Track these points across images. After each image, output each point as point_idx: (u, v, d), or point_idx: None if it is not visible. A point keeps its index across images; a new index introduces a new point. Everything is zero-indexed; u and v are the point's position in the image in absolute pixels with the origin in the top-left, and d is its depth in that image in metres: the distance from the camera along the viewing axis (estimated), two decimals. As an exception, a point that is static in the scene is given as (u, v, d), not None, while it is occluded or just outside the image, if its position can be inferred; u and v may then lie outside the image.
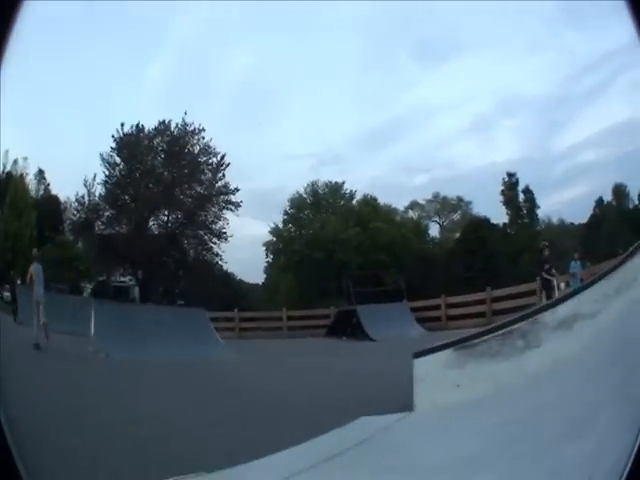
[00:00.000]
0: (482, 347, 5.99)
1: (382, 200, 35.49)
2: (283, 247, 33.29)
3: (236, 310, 25.65)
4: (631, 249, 6.22)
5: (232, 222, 31.65)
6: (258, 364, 14.92)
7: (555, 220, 36.51)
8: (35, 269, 16.48)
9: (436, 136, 39.53)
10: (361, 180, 38.57)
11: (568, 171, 36.79)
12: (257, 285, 36.47)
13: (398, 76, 42.02)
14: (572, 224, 36.05)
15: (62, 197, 33.70)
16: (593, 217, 34.15)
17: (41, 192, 34.77)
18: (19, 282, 23.98)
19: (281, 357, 16.52)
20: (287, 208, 34.76)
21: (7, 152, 32.36)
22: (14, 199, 28.82)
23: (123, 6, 31.62)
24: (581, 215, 35.28)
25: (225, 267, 33.99)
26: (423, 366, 5.89)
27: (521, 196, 34.11)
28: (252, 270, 35.87)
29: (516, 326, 5.98)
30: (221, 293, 29.56)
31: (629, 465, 2.04)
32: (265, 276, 35.91)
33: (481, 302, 22.10)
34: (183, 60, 38.26)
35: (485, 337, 6.08)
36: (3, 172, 33.08)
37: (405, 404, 5.58)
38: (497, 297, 21.62)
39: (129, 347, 14.50)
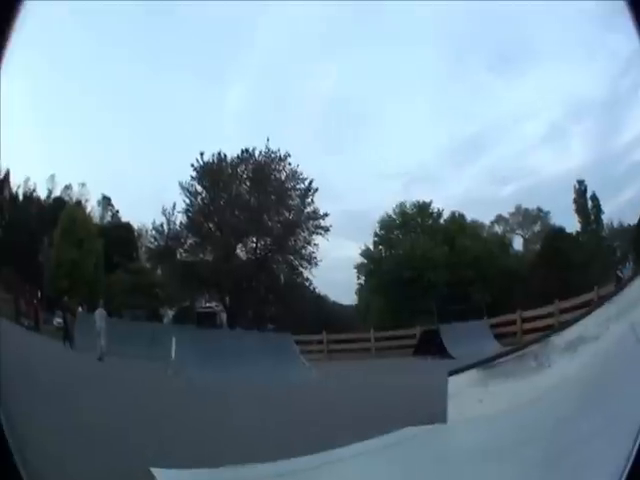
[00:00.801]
0: (501, 367, 7.16)
1: (470, 216, 37.39)
2: (374, 268, 35.25)
3: (324, 333, 27.14)
4: (631, 274, 7.88)
5: (325, 244, 33.62)
6: (339, 385, 15.93)
7: (616, 224, 37.86)
8: (98, 313, 19.59)
9: (515, 147, 41.24)
10: (450, 196, 40.32)
11: (626, 172, 38.42)
12: (351, 307, 38.20)
13: (478, 88, 44.62)
14: (629, 226, 37.47)
15: (134, 224, 35.75)
16: None
17: (107, 219, 36.55)
18: (80, 309, 25.66)
19: (362, 377, 17.70)
20: (377, 229, 36.57)
21: (53, 177, 33.83)
22: (69, 227, 29.72)
23: (200, 23, 33.59)
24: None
25: (318, 290, 36.19)
26: (454, 384, 7.08)
27: (589, 203, 35.25)
28: (347, 292, 37.43)
29: (529, 349, 7.25)
30: (312, 316, 31.23)
31: (629, 465, 2.21)
32: (357, 298, 37.68)
33: (551, 315, 23.54)
34: (264, 81, 39.29)
35: (503, 359, 7.34)
36: (49, 197, 34.48)
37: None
38: (564, 309, 22.85)
39: (210, 372, 15.27)
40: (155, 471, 4.97)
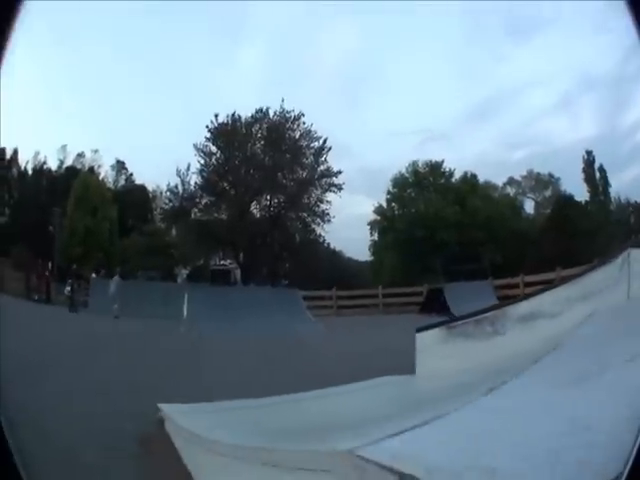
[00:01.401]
0: (461, 328, 7.80)
1: (482, 177, 39.09)
2: (386, 226, 36.45)
3: (334, 289, 27.90)
4: (605, 259, 7.81)
5: (341, 201, 35.29)
6: (337, 337, 16.91)
7: (622, 199, 39.43)
8: (114, 281, 21.16)
9: (528, 112, 43.34)
10: (464, 156, 41.19)
11: (633, 150, 39.83)
12: (367, 263, 39.73)
13: (495, 51, 45.79)
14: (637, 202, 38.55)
15: (149, 186, 37.16)
16: None
17: (121, 183, 37.76)
18: (94, 275, 26.87)
19: (361, 331, 18.76)
20: (390, 187, 37.93)
21: (65, 147, 35.24)
22: (82, 195, 30.67)
23: None
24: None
25: (333, 246, 38.07)
26: (421, 340, 7.83)
27: (597, 174, 37.46)
28: (362, 248, 39.10)
29: (487, 315, 7.86)
30: (326, 272, 32.34)
31: (629, 465, 2.12)
32: (371, 254, 39.07)
33: (551, 282, 25.25)
34: (279, 42, 40.24)
35: (462, 321, 7.97)
36: (60, 167, 35.67)
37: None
38: (565, 276, 24.37)
39: (218, 326, 16.25)
40: (162, 406, 5.68)
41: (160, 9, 34.69)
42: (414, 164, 37.37)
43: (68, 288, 23.93)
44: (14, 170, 34.87)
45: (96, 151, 35.94)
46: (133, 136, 35.04)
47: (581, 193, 37.77)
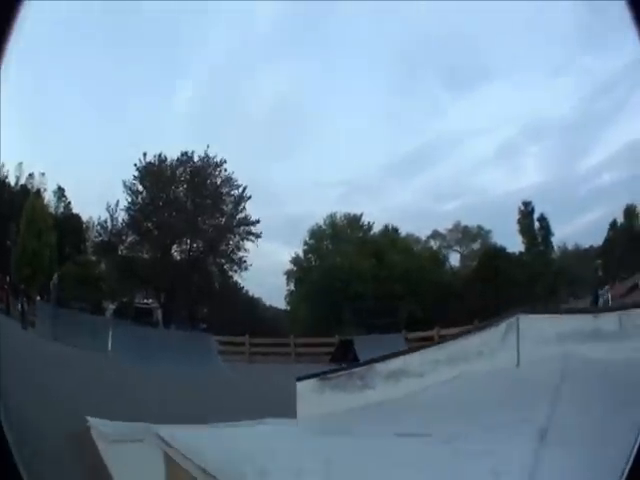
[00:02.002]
0: (336, 380, 9.06)
1: (407, 229, 40.85)
2: (302, 276, 38.66)
3: (247, 336, 29.74)
4: (485, 324, 8.86)
5: (261, 248, 37.17)
6: (241, 381, 19.63)
7: (570, 246, 41.62)
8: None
9: (464, 163, 44.68)
10: (389, 208, 42.09)
11: (587, 195, 41.36)
12: (286, 310, 41.50)
13: (428, 102, 47.25)
14: (591, 247, 40.25)
15: (83, 216, 38.56)
16: (607, 241, 38.55)
17: (61, 209, 38.81)
18: (38, 298, 29.60)
19: (259, 376, 21.57)
20: (307, 238, 40.52)
21: (21, 165, 36.73)
22: (32, 217, 32.81)
23: (153, 26, 36.61)
24: (599, 238, 39.11)
25: (251, 293, 40.06)
26: (301, 387, 9.13)
27: (537, 224, 38.87)
28: (282, 295, 40.72)
29: (357, 369, 9.19)
30: (243, 319, 34.11)
31: (629, 465, 2.37)
32: (287, 303, 40.99)
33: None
34: (211, 85, 42.08)
35: (337, 374, 9.25)
36: (17, 184, 37.15)
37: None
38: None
39: (136, 362, 19.58)
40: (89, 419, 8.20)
41: (108, 47, 36.34)
42: (332, 216, 39.61)
43: (19, 305, 27.12)
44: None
45: (43, 174, 37.31)
46: (73, 163, 36.08)
47: (517, 244, 39.71)
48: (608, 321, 8.06)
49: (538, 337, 8.24)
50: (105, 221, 37.11)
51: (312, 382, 9.40)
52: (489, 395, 6.19)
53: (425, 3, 33.29)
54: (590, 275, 37.16)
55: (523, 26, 35.66)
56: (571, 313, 9.32)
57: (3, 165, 36.51)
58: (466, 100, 43.88)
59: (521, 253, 39.75)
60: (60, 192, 38.96)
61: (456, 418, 5.13)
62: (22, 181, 37.72)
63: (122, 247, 37.98)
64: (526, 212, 39.33)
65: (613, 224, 39.04)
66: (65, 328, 23.39)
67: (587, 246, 40.99)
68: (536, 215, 39.35)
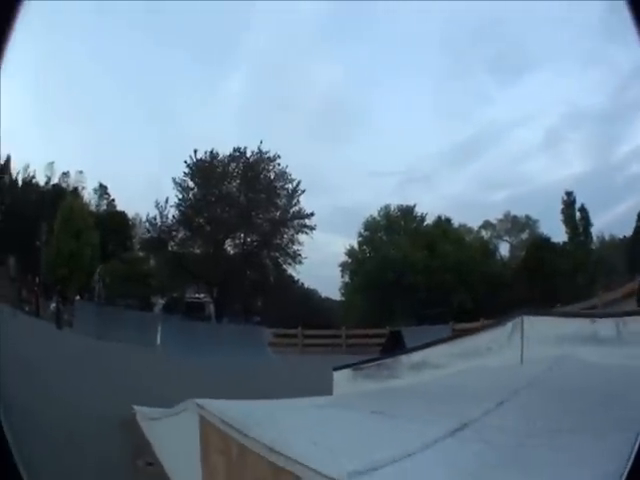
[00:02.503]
0: (366, 371, 10.10)
1: (458, 219, 41.47)
2: (356, 268, 39.13)
3: (299, 328, 30.28)
4: (494, 322, 9.55)
5: (317, 240, 37.77)
6: (289, 370, 20.05)
7: (607, 236, 41.83)
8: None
9: (511, 152, 45.54)
10: (442, 198, 44.44)
11: (622, 184, 42.24)
12: (339, 302, 42.19)
13: (475, 92, 47.99)
14: (625, 237, 40.71)
15: (129, 213, 39.78)
16: (636, 230, 38.65)
17: (103, 207, 40.20)
18: (78, 297, 30.19)
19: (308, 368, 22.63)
20: (362, 230, 40.82)
21: (52, 164, 37.67)
22: (69, 216, 33.26)
23: (196, 20, 37.64)
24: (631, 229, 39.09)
25: (307, 285, 40.83)
26: (337, 377, 10.29)
27: (577, 214, 39.39)
28: (336, 288, 41.65)
29: (385, 361, 10.25)
30: (297, 311, 34.40)
31: (629, 465, 2.38)
32: (341, 295, 41.62)
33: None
34: (262, 78, 42.78)
35: (368, 365, 10.24)
36: (47, 184, 38.12)
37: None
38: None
39: (186, 355, 19.86)
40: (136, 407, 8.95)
41: (150, 39, 37.18)
42: (386, 208, 39.80)
43: (54, 305, 27.48)
44: (6, 178, 37.37)
45: (80, 172, 38.43)
46: (116, 161, 36.89)
47: (561, 234, 40.08)
48: (605, 326, 8.51)
49: (540, 338, 8.92)
50: (154, 218, 37.54)
51: (347, 372, 10.62)
52: (494, 388, 6.62)
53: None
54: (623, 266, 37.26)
55: (555, 17, 35.87)
56: (571, 317, 9.72)
57: (28, 166, 37.23)
58: (511, 89, 44.76)
59: (564, 243, 40.07)
60: (102, 190, 40.23)
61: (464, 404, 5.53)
62: (54, 180, 38.44)
63: (172, 243, 38.26)
64: (569, 202, 39.55)
65: None
66: (109, 325, 23.87)
67: (621, 236, 41.47)
68: (577, 205, 39.75)
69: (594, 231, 40.30)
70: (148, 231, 38.20)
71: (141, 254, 39.47)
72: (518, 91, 45.45)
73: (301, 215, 38.02)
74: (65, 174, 38.41)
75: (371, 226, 40.44)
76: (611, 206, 45.01)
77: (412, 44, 40.48)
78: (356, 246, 40.97)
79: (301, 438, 3.69)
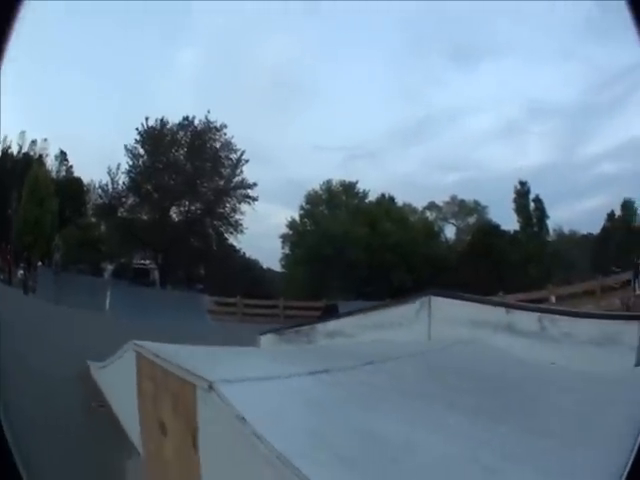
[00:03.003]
0: (287, 336, 11.15)
1: (404, 199, 41.72)
2: (297, 241, 39.99)
3: (238, 297, 31.32)
4: (402, 300, 10.13)
5: (261, 212, 38.63)
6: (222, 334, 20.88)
7: (567, 230, 41.81)
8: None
9: (465, 137, 43.23)
10: (388, 176, 42.46)
11: (588, 181, 41.76)
12: (280, 274, 42.55)
13: (434, 73, 48.34)
14: (590, 234, 40.81)
15: (85, 179, 39.82)
16: (604, 230, 39.29)
17: (63, 173, 39.91)
18: (40, 263, 31.18)
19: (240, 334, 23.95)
20: (303, 203, 41.52)
21: (24, 133, 37.65)
22: (34, 185, 34.11)
23: None
24: (595, 227, 40.00)
25: (248, 255, 41.50)
26: (263, 340, 11.42)
27: (532, 205, 39.39)
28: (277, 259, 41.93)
29: (304, 328, 11.14)
30: (239, 280, 35.36)
31: (629, 465, 2.43)
32: (282, 266, 42.16)
33: None
34: (213, 50, 43.48)
35: (289, 331, 11.32)
36: (20, 153, 38.11)
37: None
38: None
39: (132, 318, 21.21)
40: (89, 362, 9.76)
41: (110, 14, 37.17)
42: (328, 182, 40.40)
43: (21, 272, 29.23)
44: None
45: (45, 140, 38.29)
46: (76, 128, 37.08)
47: (512, 223, 40.55)
48: (523, 319, 8.93)
49: (448, 318, 9.39)
50: (106, 184, 38.79)
51: (271, 336, 11.77)
52: (379, 354, 7.11)
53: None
54: (584, 262, 37.66)
55: (538, 7, 36.07)
56: (483, 303, 9.99)
57: (6, 136, 37.31)
58: (473, 74, 45.08)
59: (516, 232, 40.38)
60: (62, 156, 40.18)
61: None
62: (25, 149, 38.65)
63: (122, 209, 39.17)
64: (522, 192, 40.10)
65: (611, 215, 40.00)
66: (65, 291, 25.12)
67: (585, 232, 41.69)
68: (532, 196, 40.03)
69: (551, 224, 41.01)
70: (100, 197, 39.02)
71: (93, 220, 39.73)
72: (479, 78, 45.89)
73: (244, 185, 39.32)
74: (33, 142, 38.57)
75: (313, 199, 41.43)
76: (574, 202, 45.39)
77: (371, 20, 40.37)
78: (297, 219, 41.98)
79: (206, 362, 4.73)
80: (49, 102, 37.00)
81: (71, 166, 39.94)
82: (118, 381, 7.45)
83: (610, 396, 5.67)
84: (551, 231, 41.35)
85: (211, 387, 3.53)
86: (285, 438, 3.03)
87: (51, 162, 39.50)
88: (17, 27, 2.54)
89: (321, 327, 11.15)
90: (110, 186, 38.29)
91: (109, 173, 37.85)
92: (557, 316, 8.59)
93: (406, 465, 3.12)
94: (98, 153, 41.78)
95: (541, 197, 39.53)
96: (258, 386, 4.04)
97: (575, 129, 42.81)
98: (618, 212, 39.87)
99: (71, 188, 38.43)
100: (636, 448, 2.63)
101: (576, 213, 41.71)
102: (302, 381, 4.57)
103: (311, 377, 4.74)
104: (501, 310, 9.20)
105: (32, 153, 38.57)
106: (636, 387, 6.05)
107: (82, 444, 6.87)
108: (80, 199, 39.42)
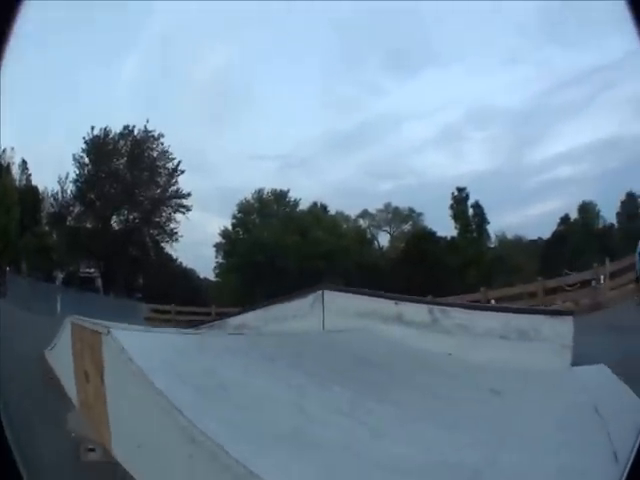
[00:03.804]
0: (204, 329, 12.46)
1: (339, 207, 43.37)
2: (229, 249, 42.17)
3: (173, 305, 32.06)
4: (296, 294, 11.37)
5: (198, 221, 41.38)
6: None
7: (510, 236, 43.06)
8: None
9: (403, 145, 46.86)
10: (324, 185, 45.74)
11: (538, 186, 42.78)
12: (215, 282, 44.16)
13: (370, 81, 49.40)
14: (540, 239, 42.09)
15: (41, 188, 40.73)
16: (556, 234, 40.19)
17: (24, 182, 40.64)
18: (8, 269, 32.15)
19: None
20: (235, 212, 43.63)
21: None
22: (2, 195, 34.74)
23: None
24: (547, 232, 40.88)
25: (185, 264, 43.39)
26: None
27: (471, 211, 40.21)
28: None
29: (216, 322, 13.43)
30: (176, 289, 36.94)
31: (629, 465, 2.42)
32: (215, 275, 44.13)
33: None
34: (155, 59, 45.35)
35: (205, 325, 13.54)
36: None
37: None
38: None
39: None
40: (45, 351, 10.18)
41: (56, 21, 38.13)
42: (259, 191, 42.78)
43: None
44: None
45: (12, 148, 39.22)
46: (36, 136, 38.40)
47: (450, 230, 41.53)
48: (413, 310, 9.80)
49: (340, 310, 10.43)
50: (57, 192, 40.59)
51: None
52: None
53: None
54: (532, 266, 38.52)
55: (485, 12, 36.34)
56: (372, 296, 11.33)
57: None
58: (412, 81, 46.41)
59: (453, 238, 41.63)
60: (24, 165, 40.99)
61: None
62: None
63: (70, 218, 41.48)
64: (460, 198, 41.50)
65: (565, 218, 41.38)
66: (26, 296, 26.88)
67: (535, 237, 43.11)
68: (471, 202, 41.10)
69: (494, 230, 42.29)
70: (52, 205, 41.21)
71: (46, 228, 41.27)
72: (419, 85, 46.93)
73: (179, 195, 41.31)
74: (4, 151, 39.22)
75: (245, 208, 43.49)
76: (523, 207, 46.27)
77: (307, 28, 41.87)
78: (230, 228, 44.14)
79: (119, 325, 6.26)
80: (12, 110, 38.24)
81: (30, 175, 41.03)
82: (62, 356, 8.58)
83: (476, 381, 6.81)
84: (493, 237, 43.02)
85: (109, 331, 5.29)
86: (156, 369, 4.59)
87: (16, 171, 40.45)
88: (17, 27, 2.60)
89: (231, 321, 12.72)
90: (60, 195, 40.71)
91: (59, 182, 40.28)
92: (449, 308, 9.70)
93: (233, 396, 4.76)
94: (54, 162, 42.94)
95: (481, 203, 40.79)
96: (144, 334, 6.04)
97: (523, 134, 43.82)
98: (574, 215, 41.00)
99: (29, 197, 39.85)
100: (636, 448, 2.72)
101: (526, 217, 42.69)
102: (177, 336, 6.62)
103: (186, 334, 6.96)
104: (390, 302, 10.24)
105: (2, 163, 39.39)
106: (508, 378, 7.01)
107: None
108: (36, 207, 40.82)
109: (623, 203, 39.49)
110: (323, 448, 4.03)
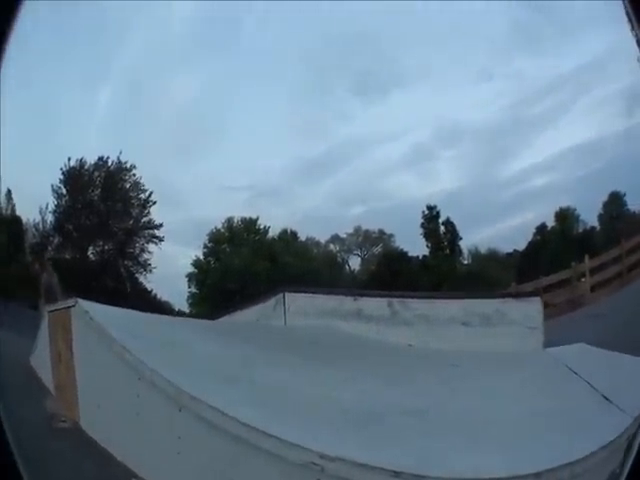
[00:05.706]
0: None
1: (309, 233, 43.30)
2: (201, 279, 43.28)
3: None
4: (259, 299, 12.68)
5: (171, 253, 41.52)
6: None
7: (484, 250, 44.38)
8: None
9: (372, 168, 46.09)
10: (294, 212, 43.45)
11: (510, 199, 42.70)
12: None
13: (336, 107, 50.16)
14: (516, 251, 43.31)
15: (24, 218, 41.36)
16: (531, 244, 38.83)
17: (9, 211, 41.88)
18: None
19: None
20: (206, 242, 44.22)
21: None
22: None
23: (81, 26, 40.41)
24: (523, 243, 39.52)
25: (160, 296, 43.21)
26: None
27: (442, 228, 39.06)
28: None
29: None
30: None
31: (629, 465, 2.55)
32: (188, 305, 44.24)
33: None
34: (125, 89, 46.92)
35: None
36: None
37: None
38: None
39: None
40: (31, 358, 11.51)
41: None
42: (229, 220, 43.35)
43: None
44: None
45: None
46: (20, 166, 39.64)
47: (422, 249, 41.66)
48: (371, 305, 10.50)
49: (301, 310, 11.29)
50: (38, 223, 41.82)
51: None
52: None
53: (339, 3, 35.34)
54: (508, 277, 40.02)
55: (451, 28, 36.86)
56: (331, 294, 12.08)
57: None
58: (378, 105, 44.02)
59: (425, 257, 42.38)
60: (9, 194, 43.00)
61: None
62: None
63: (50, 249, 42.31)
64: (430, 216, 40.69)
65: (541, 227, 41.02)
66: (21, 322, 28.97)
67: (510, 250, 43.91)
68: (442, 220, 41.33)
69: (466, 246, 41.42)
70: (34, 236, 42.28)
71: (30, 258, 42.18)
72: (386, 108, 46.34)
73: (151, 225, 42.19)
74: None
75: (215, 238, 43.56)
76: (495, 221, 46.33)
77: (276, 57, 41.77)
78: (202, 257, 45.35)
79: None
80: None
81: (14, 204, 43.02)
82: (42, 354, 10.10)
83: (435, 361, 7.36)
84: (466, 253, 43.48)
85: (76, 302, 6.44)
86: (115, 326, 6.35)
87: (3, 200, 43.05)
88: (17, 27, 2.56)
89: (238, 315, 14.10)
90: (41, 225, 41.90)
91: (40, 212, 41.44)
92: (408, 300, 10.24)
93: (184, 352, 5.96)
94: (35, 192, 44.09)
95: (453, 220, 41.00)
96: (111, 308, 8.39)
97: (495, 148, 42.92)
98: (551, 223, 40.22)
99: (13, 226, 41.52)
100: (636, 448, 2.70)
101: (501, 231, 42.76)
102: (145, 314, 8.92)
103: (153, 315, 8.38)
104: (349, 299, 10.98)
105: (-9, 192, 42.66)
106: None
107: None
108: (20, 237, 42.27)
109: (605, 204, 39.92)
110: (264, 387, 4.97)
